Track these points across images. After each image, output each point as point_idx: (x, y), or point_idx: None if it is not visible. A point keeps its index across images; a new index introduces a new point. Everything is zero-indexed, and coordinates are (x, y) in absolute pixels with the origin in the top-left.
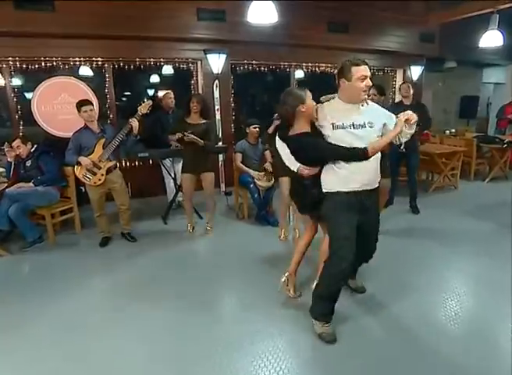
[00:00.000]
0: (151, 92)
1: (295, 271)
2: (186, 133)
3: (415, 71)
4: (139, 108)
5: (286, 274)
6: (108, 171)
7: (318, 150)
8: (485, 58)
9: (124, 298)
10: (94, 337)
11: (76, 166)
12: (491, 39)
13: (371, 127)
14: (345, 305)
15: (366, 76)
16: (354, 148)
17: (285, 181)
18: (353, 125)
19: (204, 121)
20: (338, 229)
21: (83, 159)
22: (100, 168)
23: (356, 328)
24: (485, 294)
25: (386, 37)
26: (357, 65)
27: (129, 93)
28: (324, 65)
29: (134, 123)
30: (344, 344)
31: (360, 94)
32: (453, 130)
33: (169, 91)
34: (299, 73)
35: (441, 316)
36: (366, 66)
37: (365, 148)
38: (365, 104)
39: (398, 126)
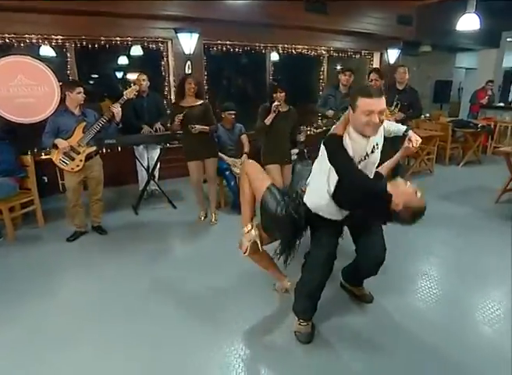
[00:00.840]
0: (119, 75)
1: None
2: (192, 126)
3: (392, 54)
4: (125, 92)
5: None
6: (88, 157)
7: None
8: (460, 42)
9: (95, 300)
10: (58, 345)
11: (52, 150)
12: (468, 22)
13: (377, 149)
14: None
15: (374, 111)
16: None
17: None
18: (367, 155)
19: (200, 102)
20: (319, 246)
21: (59, 141)
22: (79, 153)
23: (332, 312)
24: (461, 277)
25: (364, 19)
26: (367, 96)
27: (96, 75)
28: (301, 46)
29: (116, 109)
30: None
31: (363, 130)
32: (428, 115)
33: (142, 73)
34: (274, 55)
35: (416, 299)
36: (380, 99)
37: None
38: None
39: (403, 152)
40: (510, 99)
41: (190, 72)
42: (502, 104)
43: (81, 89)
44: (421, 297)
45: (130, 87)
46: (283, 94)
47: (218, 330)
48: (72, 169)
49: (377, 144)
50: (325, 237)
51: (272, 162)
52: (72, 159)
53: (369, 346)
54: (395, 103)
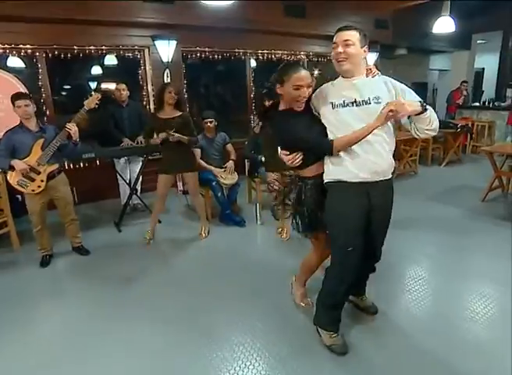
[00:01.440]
0: (93, 85)
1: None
2: (171, 133)
3: (370, 57)
4: (85, 102)
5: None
6: (50, 176)
7: (290, 133)
8: (433, 45)
9: (78, 330)
10: None
11: (9, 172)
12: (443, 25)
13: (377, 103)
14: None
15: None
16: (323, 140)
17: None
18: (356, 102)
19: (179, 113)
20: (342, 235)
21: (16, 163)
22: (39, 173)
23: None
24: (452, 278)
25: (342, 23)
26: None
27: (68, 86)
28: (280, 52)
29: (72, 129)
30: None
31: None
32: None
33: (122, 83)
34: (254, 61)
35: (408, 301)
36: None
37: (332, 141)
38: (370, 76)
39: (378, 120)
40: (482, 99)
41: (168, 80)
42: (477, 103)
43: (23, 102)
44: (413, 299)
45: (91, 96)
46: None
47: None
48: (33, 190)
49: (377, 98)
50: (351, 259)
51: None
52: (33, 180)
53: (366, 350)
54: None
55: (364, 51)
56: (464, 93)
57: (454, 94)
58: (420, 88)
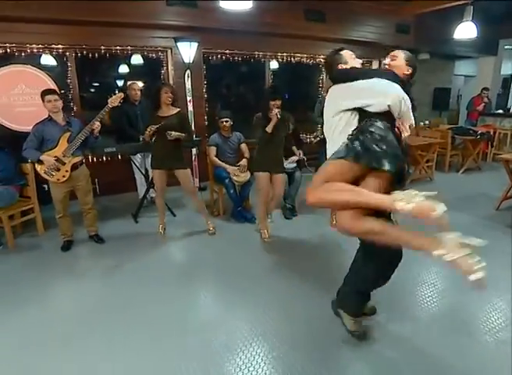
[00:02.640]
0: (120, 83)
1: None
2: (169, 132)
3: None
4: (109, 100)
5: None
6: (74, 167)
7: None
8: (457, 50)
9: (90, 308)
10: (55, 351)
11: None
12: (465, 31)
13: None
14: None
15: None
16: None
17: (263, 177)
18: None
19: (176, 111)
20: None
21: (45, 158)
22: (64, 164)
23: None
24: (462, 286)
25: (363, 28)
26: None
27: (97, 84)
28: (300, 55)
29: (95, 124)
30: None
31: None
32: (427, 122)
33: (135, 82)
34: (274, 63)
35: (418, 306)
36: None
37: None
38: None
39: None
40: (508, 106)
41: (189, 81)
42: (501, 111)
43: (52, 97)
44: (423, 306)
45: (115, 94)
46: (280, 102)
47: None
48: (58, 179)
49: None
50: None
51: (262, 169)
52: (58, 170)
53: (373, 358)
54: None
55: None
56: (485, 100)
57: (475, 100)
58: (442, 94)
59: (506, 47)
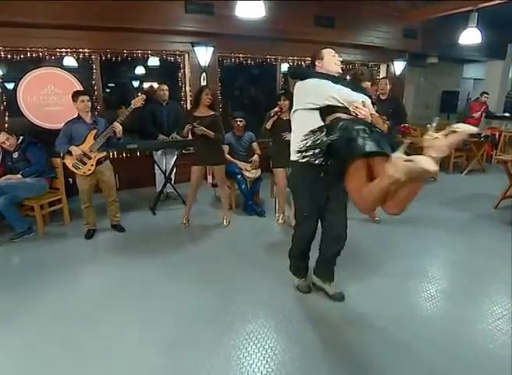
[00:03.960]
0: (136, 84)
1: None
2: (195, 124)
3: (398, 66)
4: (133, 101)
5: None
6: (98, 162)
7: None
8: (466, 54)
9: (112, 290)
10: (82, 325)
11: (66, 156)
12: (470, 36)
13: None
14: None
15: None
16: None
17: (280, 172)
18: None
19: (212, 113)
20: (301, 205)
21: (74, 148)
22: (90, 158)
23: (332, 311)
24: (460, 278)
25: (371, 33)
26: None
27: (116, 85)
28: (309, 59)
29: (118, 128)
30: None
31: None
32: (435, 124)
33: (163, 84)
34: (285, 67)
35: (417, 300)
36: None
37: None
38: None
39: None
40: None
41: (205, 83)
42: (507, 114)
43: (85, 97)
44: (423, 299)
45: (138, 96)
46: (287, 102)
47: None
48: (84, 173)
49: None
50: (305, 226)
51: (278, 166)
52: (84, 164)
53: (372, 351)
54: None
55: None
56: (484, 106)
57: (472, 105)
58: (450, 97)
59: None
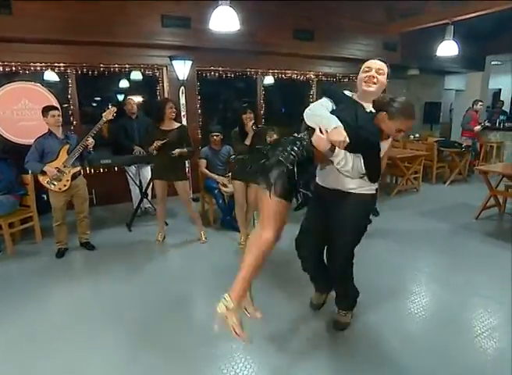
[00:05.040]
0: (121, 97)
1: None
2: (172, 152)
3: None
4: (104, 114)
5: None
6: (73, 177)
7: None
8: (445, 66)
9: (80, 313)
10: (44, 352)
11: (39, 174)
12: (447, 49)
13: None
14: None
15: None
16: None
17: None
18: None
19: (177, 125)
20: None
21: (48, 169)
22: (65, 174)
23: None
24: (441, 292)
25: (351, 45)
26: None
27: (93, 99)
28: (290, 72)
29: (89, 140)
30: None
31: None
32: (417, 135)
33: (131, 97)
34: (269, 79)
35: (400, 314)
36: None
37: None
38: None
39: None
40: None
41: (183, 97)
42: (488, 124)
43: (56, 112)
44: (407, 313)
45: (109, 109)
46: (252, 114)
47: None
48: (60, 189)
49: None
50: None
51: (239, 179)
52: (59, 180)
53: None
54: None
55: (385, 84)
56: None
57: (473, 116)
58: (433, 108)
59: (493, 63)
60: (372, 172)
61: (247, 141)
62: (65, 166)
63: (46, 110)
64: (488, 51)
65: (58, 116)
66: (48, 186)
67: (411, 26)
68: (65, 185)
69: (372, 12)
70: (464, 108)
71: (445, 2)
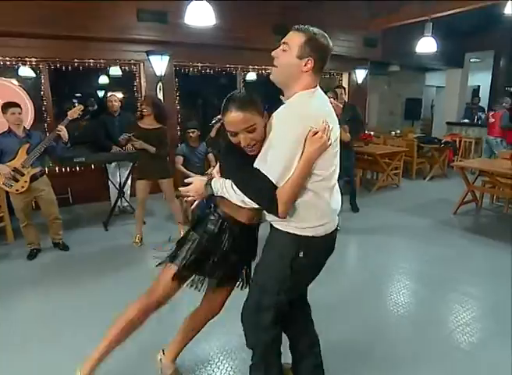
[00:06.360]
0: (101, 94)
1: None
2: (132, 137)
3: (360, 74)
4: (69, 113)
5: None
6: (33, 178)
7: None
8: (425, 63)
9: (52, 317)
10: (15, 355)
11: None
12: (426, 45)
13: None
14: None
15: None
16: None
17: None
18: None
19: (158, 126)
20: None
21: (1, 167)
22: (23, 174)
23: None
24: (420, 286)
25: (332, 41)
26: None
27: (79, 94)
28: (270, 68)
29: (62, 131)
30: None
31: None
32: (398, 131)
33: (113, 94)
34: (250, 75)
35: (379, 308)
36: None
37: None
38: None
39: None
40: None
41: (161, 93)
42: (467, 120)
43: (16, 109)
44: (384, 309)
45: (75, 107)
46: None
47: None
48: (17, 190)
49: None
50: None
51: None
52: (17, 181)
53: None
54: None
55: (305, 64)
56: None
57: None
58: (414, 104)
59: (472, 60)
60: (254, 195)
61: (212, 133)
62: (23, 167)
63: (5, 107)
64: (467, 48)
65: (19, 113)
66: (4, 187)
67: (391, 22)
68: (22, 186)
69: (353, 9)
70: (446, 104)
71: (423, 2)
